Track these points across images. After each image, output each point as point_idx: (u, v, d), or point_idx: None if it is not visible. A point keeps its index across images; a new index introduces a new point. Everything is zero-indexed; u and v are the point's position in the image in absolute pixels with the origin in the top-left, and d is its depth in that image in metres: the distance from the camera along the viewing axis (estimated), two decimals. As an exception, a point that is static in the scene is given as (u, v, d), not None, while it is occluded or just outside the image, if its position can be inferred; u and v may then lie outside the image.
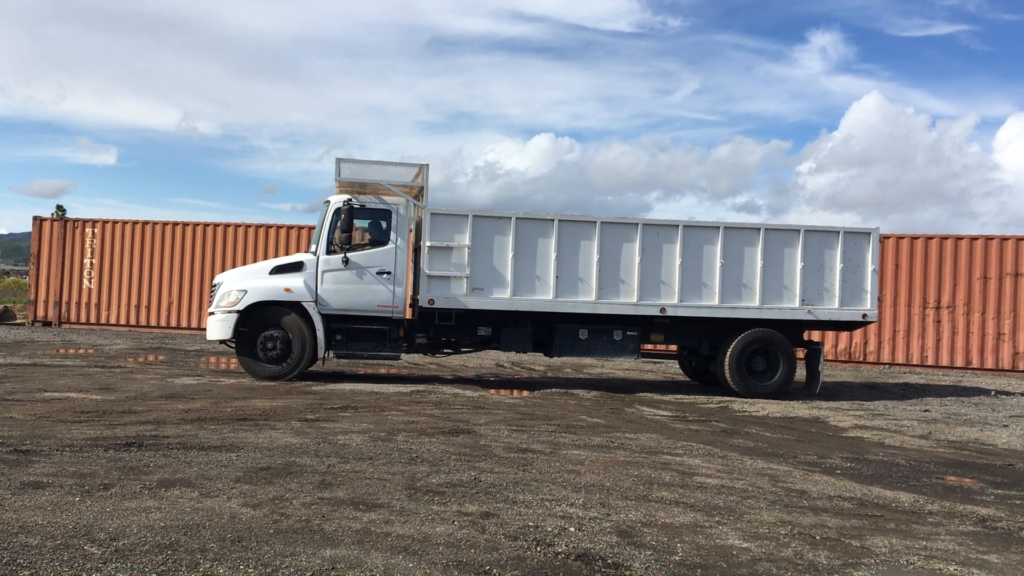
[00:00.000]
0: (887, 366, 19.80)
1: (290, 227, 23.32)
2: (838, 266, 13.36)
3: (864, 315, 13.48)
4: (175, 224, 23.68)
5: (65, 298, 23.78)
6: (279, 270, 13.05)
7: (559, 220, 13.05)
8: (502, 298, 12.91)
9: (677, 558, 4.71)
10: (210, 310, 13.11)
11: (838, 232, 13.46)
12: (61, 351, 16.83)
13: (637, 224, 13.20)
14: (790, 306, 13.32)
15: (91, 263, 23.76)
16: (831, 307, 13.39)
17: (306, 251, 13.82)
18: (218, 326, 12.80)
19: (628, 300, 13.10)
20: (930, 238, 19.78)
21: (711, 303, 13.20)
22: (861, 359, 20.12)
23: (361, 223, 13.19)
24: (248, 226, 23.42)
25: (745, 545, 5.01)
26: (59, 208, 55.44)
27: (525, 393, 12.78)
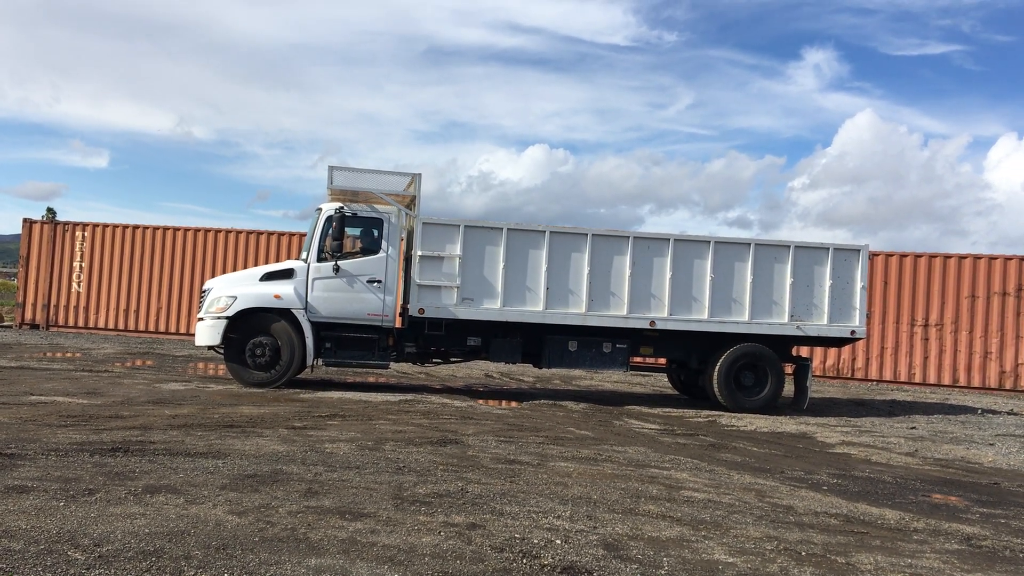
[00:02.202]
0: (875, 383, 19.87)
1: (281, 234, 23.28)
2: (827, 282, 13.42)
3: (852, 331, 13.53)
4: (165, 229, 23.63)
5: (53, 301, 23.66)
6: (269, 277, 13.03)
7: (550, 232, 13.08)
8: (492, 308, 12.91)
9: (663, 572, 4.71)
10: (199, 316, 13.07)
11: (827, 248, 13.52)
12: (48, 354, 16.74)
13: (628, 237, 13.23)
14: (779, 321, 13.36)
15: (80, 266, 23.66)
16: (820, 323, 13.44)
17: (297, 258, 13.79)
18: (207, 332, 12.75)
19: (618, 313, 13.12)
20: (919, 256, 19.91)
21: (701, 317, 13.23)
22: (849, 375, 20.19)
23: (352, 231, 13.19)
24: (239, 232, 23.38)
25: (731, 560, 5.01)
26: (49, 211, 55.26)
27: (514, 404, 12.77)
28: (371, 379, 15.32)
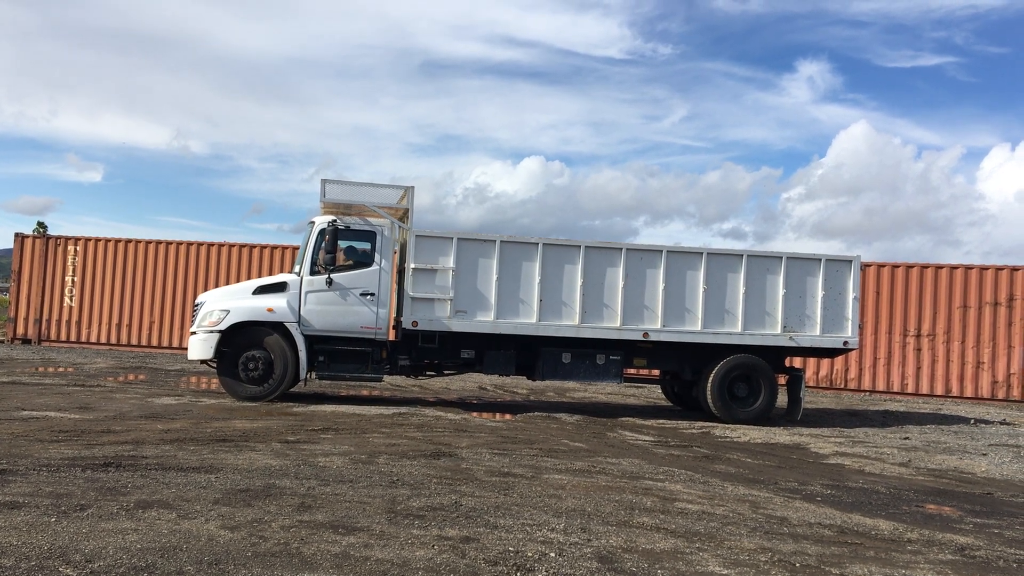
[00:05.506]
0: (868, 393, 19.90)
1: (274, 247, 23.26)
2: (819, 293, 13.46)
3: (845, 342, 13.56)
4: (158, 243, 23.58)
5: (45, 316, 23.58)
6: (262, 290, 13.01)
7: (543, 244, 13.09)
8: (486, 321, 12.91)
9: (657, 584, 4.70)
10: (192, 330, 13.04)
11: (820, 260, 13.57)
12: (40, 369, 16.67)
13: (621, 249, 13.26)
14: (772, 332, 13.39)
15: (72, 281, 23.59)
16: (812, 334, 13.47)
17: (290, 272, 13.78)
18: (200, 346, 12.72)
19: (611, 324, 13.13)
20: (911, 267, 19.98)
21: (694, 328, 13.25)
22: (842, 386, 20.22)
23: (345, 244, 13.18)
24: (231, 246, 23.35)
25: (725, 572, 5.01)
26: (40, 225, 55.12)
27: (507, 416, 12.76)
28: (365, 392, 15.29)
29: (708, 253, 13.44)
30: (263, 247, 23.28)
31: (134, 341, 23.27)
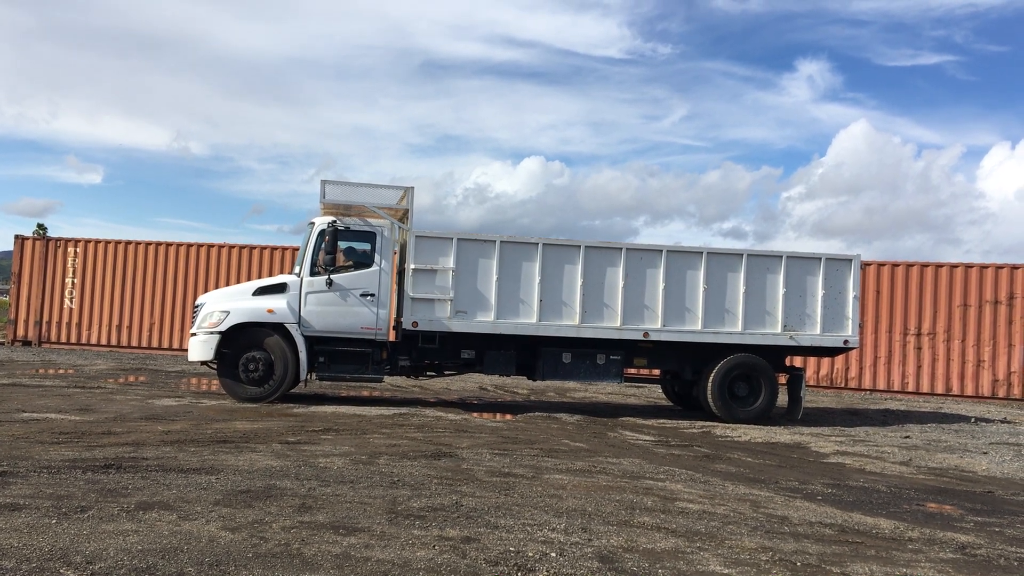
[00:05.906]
0: (868, 392, 19.90)
1: (274, 248, 23.24)
2: (820, 292, 13.45)
3: (845, 341, 13.56)
4: (158, 244, 23.57)
5: (46, 317, 23.57)
6: (262, 291, 13.01)
7: (543, 244, 13.09)
8: (486, 321, 12.91)
9: (658, 584, 4.70)
10: (192, 331, 13.04)
11: (820, 259, 13.57)
12: (41, 371, 16.67)
13: (621, 248, 13.26)
14: (772, 332, 13.39)
15: (72, 282, 23.58)
16: (813, 333, 13.47)
17: (290, 272, 13.78)
18: (200, 347, 12.72)
19: (611, 324, 13.12)
20: (911, 265, 19.97)
21: (694, 328, 13.25)
22: (843, 385, 20.22)
23: (345, 245, 13.18)
24: (231, 247, 23.34)
25: (726, 571, 5.01)
26: (40, 227, 55.05)
27: (508, 416, 12.76)
28: (365, 393, 15.29)
29: (708, 252, 13.44)
30: (263, 248, 23.26)
31: (134, 343, 23.26)
